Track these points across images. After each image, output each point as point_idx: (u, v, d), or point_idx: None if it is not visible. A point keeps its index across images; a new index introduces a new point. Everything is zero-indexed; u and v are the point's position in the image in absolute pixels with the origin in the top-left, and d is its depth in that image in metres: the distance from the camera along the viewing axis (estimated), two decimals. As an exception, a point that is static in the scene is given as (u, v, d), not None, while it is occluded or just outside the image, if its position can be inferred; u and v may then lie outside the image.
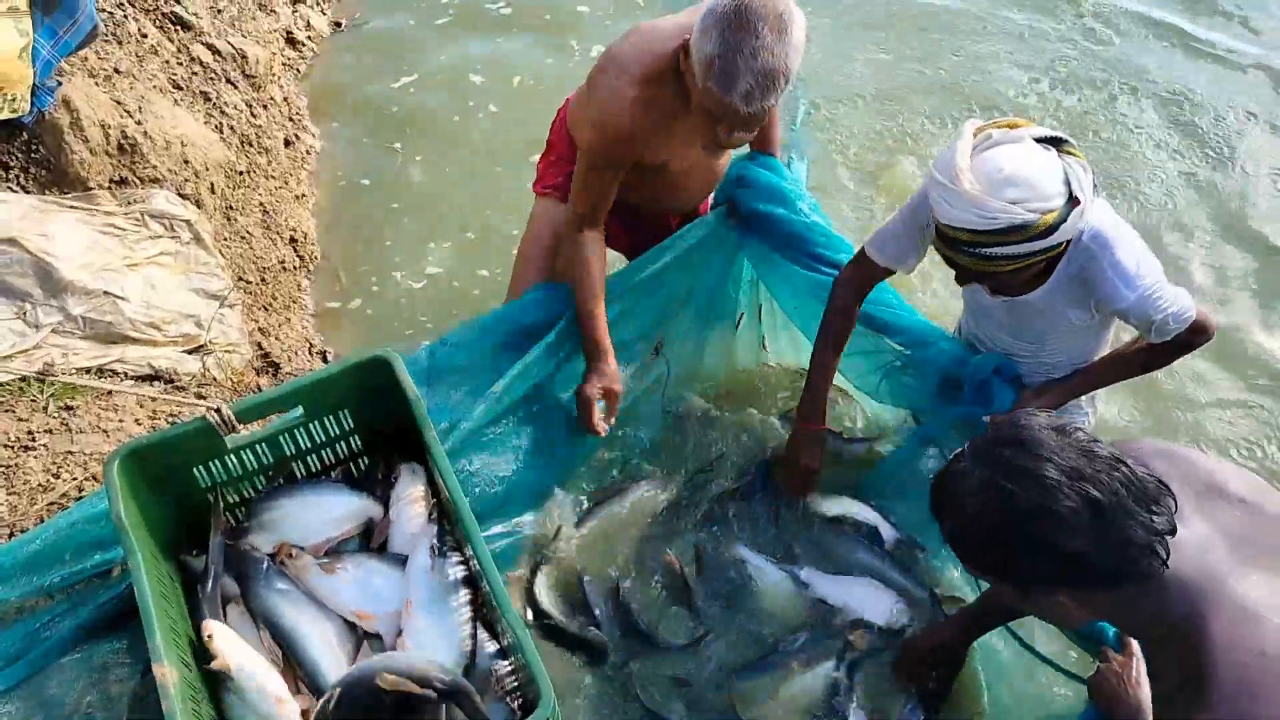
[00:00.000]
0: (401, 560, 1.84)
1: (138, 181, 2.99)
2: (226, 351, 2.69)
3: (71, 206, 2.88)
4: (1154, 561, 1.22)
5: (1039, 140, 1.81)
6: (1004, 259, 1.80)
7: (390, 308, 3.51)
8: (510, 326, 2.48)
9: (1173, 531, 1.24)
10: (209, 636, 1.66)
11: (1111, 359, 2.19)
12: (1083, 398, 2.32)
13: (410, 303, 3.53)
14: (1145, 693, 1.68)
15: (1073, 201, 1.77)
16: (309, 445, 1.95)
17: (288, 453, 1.94)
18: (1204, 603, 1.25)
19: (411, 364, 2.38)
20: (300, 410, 1.91)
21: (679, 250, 2.51)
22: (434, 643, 1.69)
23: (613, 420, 2.35)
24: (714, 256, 2.63)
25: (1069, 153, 1.81)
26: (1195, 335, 1.99)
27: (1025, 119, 1.89)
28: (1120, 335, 2.28)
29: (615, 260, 2.46)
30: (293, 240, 3.43)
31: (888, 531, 2.39)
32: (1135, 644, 1.78)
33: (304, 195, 3.74)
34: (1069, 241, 1.85)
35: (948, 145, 1.83)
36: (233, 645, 1.67)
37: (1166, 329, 1.96)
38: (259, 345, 2.87)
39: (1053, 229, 1.76)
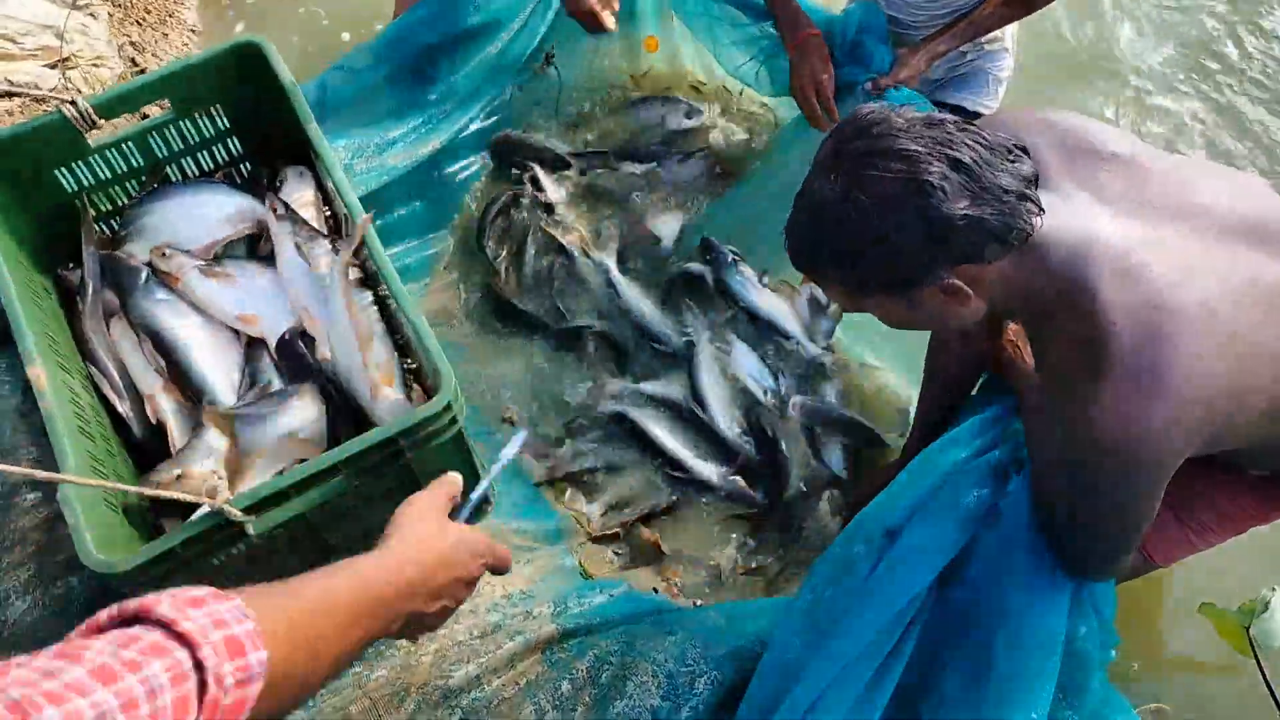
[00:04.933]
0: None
1: None
2: (93, 65, 2.44)
3: (-107, -100, 2.50)
4: (1031, 209, 1.20)
5: None
6: None
7: (291, 15, 3.12)
8: (407, 49, 2.27)
9: (1037, 177, 1.21)
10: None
11: (993, 6, 2.13)
12: (1008, 40, 2.32)
13: (320, 9, 3.15)
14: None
15: None
16: (182, 147, 1.79)
17: (160, 155, 1.78)
18: (1088, 265, 1.23)
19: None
20: (170, 108, 1.74)
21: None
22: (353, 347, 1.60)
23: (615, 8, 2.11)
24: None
25: None
26: None
27: None
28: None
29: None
30: (164, -55, 3.06)
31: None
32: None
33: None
34: None
35: None
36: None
37: None
38: (133, 61, 2.61)
39: None
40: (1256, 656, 1.78)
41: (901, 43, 2.26)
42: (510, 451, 1.18)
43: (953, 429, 1.73)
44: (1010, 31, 2.32)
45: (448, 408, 1.28)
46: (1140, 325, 1.20)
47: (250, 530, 1.25)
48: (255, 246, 1.79)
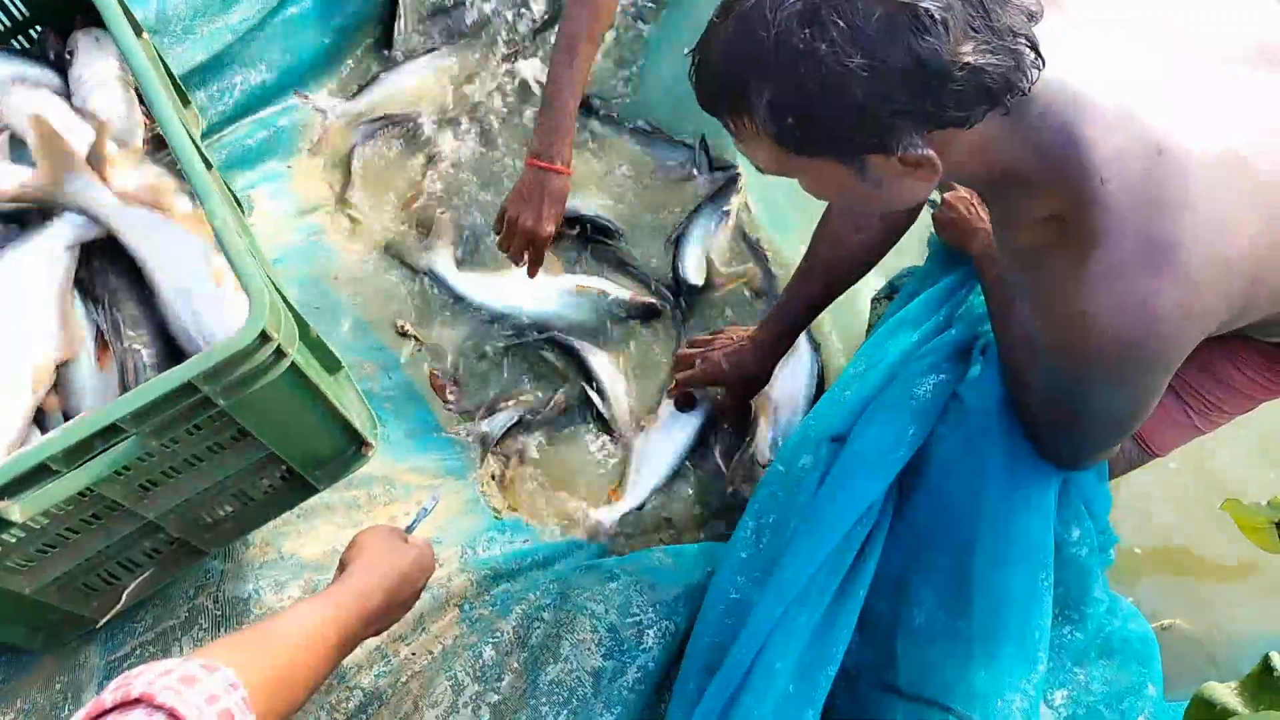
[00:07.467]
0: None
1: None
2: None
3: None
4: (1035, 60, 0.87)
5: None
6: None
7: None
8: None
9: (1040, 13, 0.88)
10: None
11: None
12: None
13: None
14: None
15: None
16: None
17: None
18: (1076, 112, 0.91)
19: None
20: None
21: None
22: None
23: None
24: None
25: None
26: None
27: None
28: None
29: None
30: None
31: None
32: None
33: None
34: None
35: None
36: None
37: None
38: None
39: None
40: (1290, 554, 1.65)
41: None
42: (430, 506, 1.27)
43: (903, 308, 1.45)
44: None
45: (264, 337, 0.93)
46: (1139, 179, 0.90)
47: (13, 517, 0.93)
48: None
